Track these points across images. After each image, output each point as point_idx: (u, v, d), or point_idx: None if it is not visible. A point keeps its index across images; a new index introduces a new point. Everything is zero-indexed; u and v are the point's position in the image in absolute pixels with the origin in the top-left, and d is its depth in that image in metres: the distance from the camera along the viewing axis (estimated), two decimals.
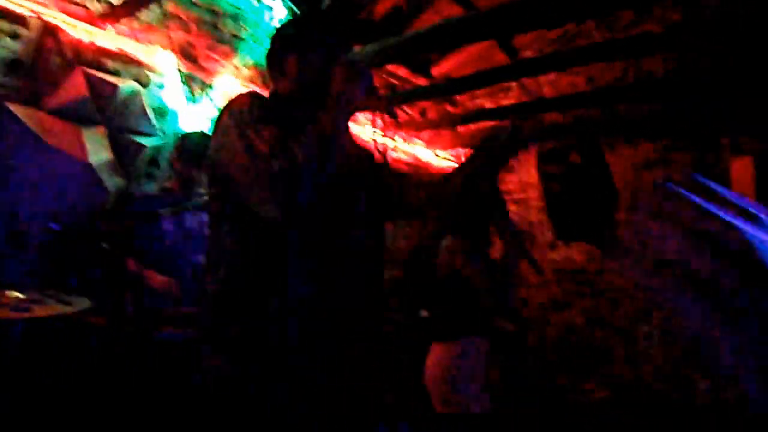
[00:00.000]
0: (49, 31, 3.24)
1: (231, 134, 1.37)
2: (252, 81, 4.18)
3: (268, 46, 1.62)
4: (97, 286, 2.51)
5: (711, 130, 4.36)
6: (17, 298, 1.95)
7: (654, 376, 4.54)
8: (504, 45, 5.38)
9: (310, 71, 1.54)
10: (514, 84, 5.63)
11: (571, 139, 4.74)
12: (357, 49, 3.58)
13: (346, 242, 1.60)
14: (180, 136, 3.13)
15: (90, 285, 2.51)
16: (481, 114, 5.49)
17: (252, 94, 1.50)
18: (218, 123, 1.46)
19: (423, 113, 5.83)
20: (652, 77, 4.66)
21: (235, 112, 1.41)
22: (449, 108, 5.98)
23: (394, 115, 1.77)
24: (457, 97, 6.02)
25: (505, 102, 5.64)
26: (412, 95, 4.91)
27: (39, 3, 3.18)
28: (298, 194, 1.32)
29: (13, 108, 2.95)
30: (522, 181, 5.52)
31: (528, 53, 5.42)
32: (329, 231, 1.55)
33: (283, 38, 1.60)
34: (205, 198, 2.90)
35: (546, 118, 5.20)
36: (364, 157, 1.73)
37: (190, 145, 2.88)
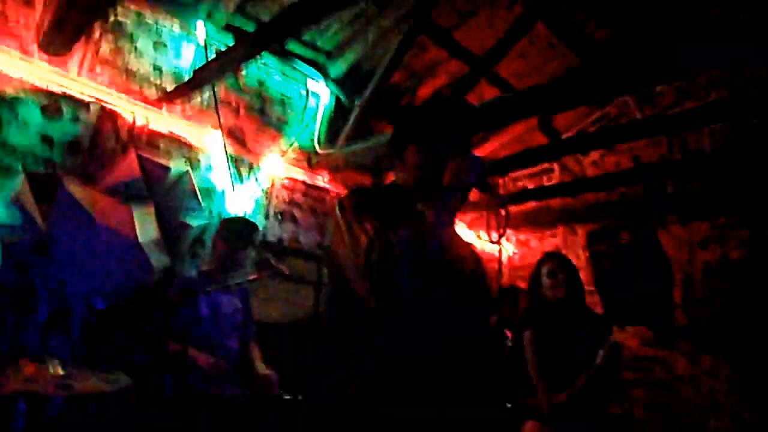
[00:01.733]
0: (107, 115, 3.38)
1: (339, 226, 1.44)
2: (297, 163, 4.25)
3: (392, 134, 1.65)
4: (139, 366, 2.43)
5: (765, 205, 4.19)
6: (60, 374, 1.88)
7: None
8: (544, 127, 5.40)
9: (430, 160, 1.51)
10: (556, 166, 5.60)
11: (620, 219, 4.62)
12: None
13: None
14: (224, 219, 3.14)
15: (133, 364, 2.43)
16: (524, 194, 5.45)
17: (360, 189, 1.58)
18: (333, 216, 1.52)
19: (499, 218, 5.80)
20: (699, 153, 4.57)
21: (344, 205, 1.48)
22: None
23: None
24: (500, 180, 6.00)
25: (547, 184, 5.59)
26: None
27: (98, 89, 3.35)
28: (394, 282, 1.33)
29: (69, 185, 3.02)
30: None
31: (569, 135, 5.42)
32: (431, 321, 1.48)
33: (403, 127, 1.62)
34: (240, 282, 2.87)
35: (592, 198, 5.11)
36: (470, 256, 1.65)
37: (233, 228, 2.89)
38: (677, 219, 4.67)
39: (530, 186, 5.72)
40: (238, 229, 2.86)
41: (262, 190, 3.98)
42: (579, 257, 5.24)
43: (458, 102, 1.74)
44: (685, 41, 2.82)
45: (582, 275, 5.15)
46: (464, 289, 1.54)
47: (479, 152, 5.61)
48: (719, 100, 4.47)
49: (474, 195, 1.61)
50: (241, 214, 3.61)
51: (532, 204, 5.50)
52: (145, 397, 2.19)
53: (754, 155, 4.09)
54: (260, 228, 3.09)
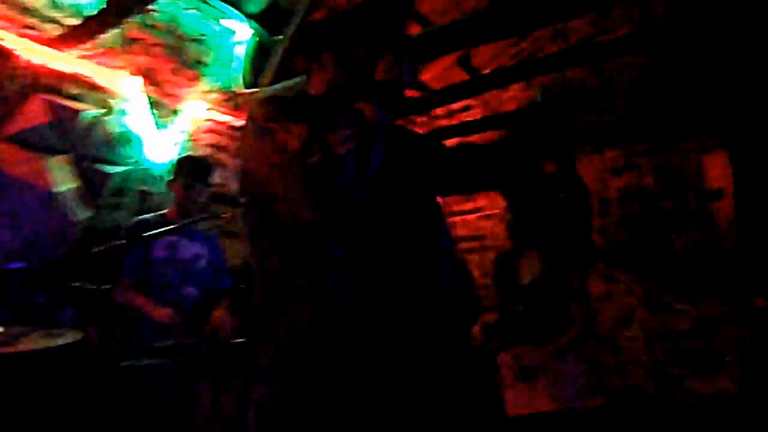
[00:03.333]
0: (3, 54, 3.02)
1: (253, 138, 1.27)
2: (220, 105, 4.03)
3: (291, 45, 1.52)
4: (87, 320, 2.28)
5: (672, 132, 4.50)
6: (1, 332, 1.72)
7: (645, 380, 4.53)
8: (463, 63, 5.45)
9: (351, 66, 1.41)
10: (475, 102, 5.69)
11: (541, 148, 4.79)
12: None
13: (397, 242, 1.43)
14: (180, 158, 2.93)
15: (82, 318, 2.27)
16: (445, 131, 5.53)
17: (271, 98, 1.41)
18: (241, 133, 1.33)
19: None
20: (612, 83, 4.80)
21: (255, 116, 1.31)
22: (410, 128, 5.97)
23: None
24: (418, 119, 6.03)
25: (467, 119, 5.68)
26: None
27: None
28: (338, 192, 1.20)
29: None
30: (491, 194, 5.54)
31: (487, 70, 5.50)
32: (375, 233, 1.38)
33: (315, 36, 1.49)
34: (202, 225, 2.73)
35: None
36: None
37: (190, 169, 2.70)
38: (593, 149, 4.92)
39: (452, 123, 5.80)
40: (191, 168, 2.69)
41: (186, 134, 3.76)
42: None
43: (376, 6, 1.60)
44: None
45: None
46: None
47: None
48: (630, 34, 4.68)
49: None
50: (182, 156, 3.38)
51: (454, 141, 5.59)
52: (92, 352, 2.06)
53: (663, 83, 4.34)
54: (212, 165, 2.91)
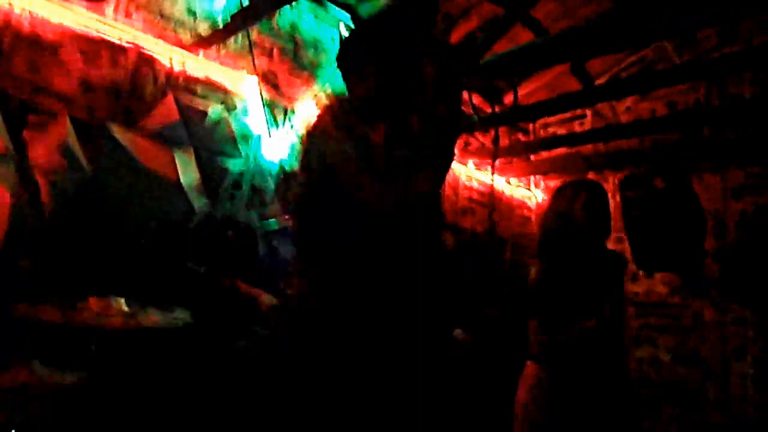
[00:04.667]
0: (145, 59, 3.40)
1: (332, 132, 1.37)
2: (332, 107, 4.25)
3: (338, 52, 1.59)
4: (192, 301, 2.53)
5: None
6: (123, 308, 1.98)
7: (751, 421, 4.20)
8: (577, 71, 5.29)
9: (393, 72, 1.48)
10: (588, 111, 5.52)
11: (653, 165, 4.58)
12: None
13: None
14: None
15: (185, 298, 2.53)
16: (554, 141, 5.41)
17: (347, 99, 1.49)
18: (306, 133, 1.43)
19: (495, 141, 5.78)
20: (739, 100, 4.47)
21: (324, 114, 1.41)
22: (521, 136, 5.91)
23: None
24: (529, 126, 5.94)
25: (579, 130, 5.52)
26: (487, 122, 4.87)
27: (135, 34, 3.36)
28: (422, 183, 1.28)
29: (113, 129, 3.08)
30: None
31: (602, 80, 5.31)
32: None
33: (356, 45, 1.57)
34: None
35: (625, 145, 5.05)
36: None
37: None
38: (711, 167, 4.62)
39: (561, 131, 5.67)
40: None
41: (297, 135, 4.01)
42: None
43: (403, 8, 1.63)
44: None
45: (612, 222, 5.21)
46: None
47: (509, 98, 5.54)
48: (762, 45, 4.33)
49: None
50: (277, 160, 3.64)
51: (562, 150, 5.46)
52: (200, 331, 2.29)
53: None
54: None
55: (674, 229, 4.40)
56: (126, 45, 3.32)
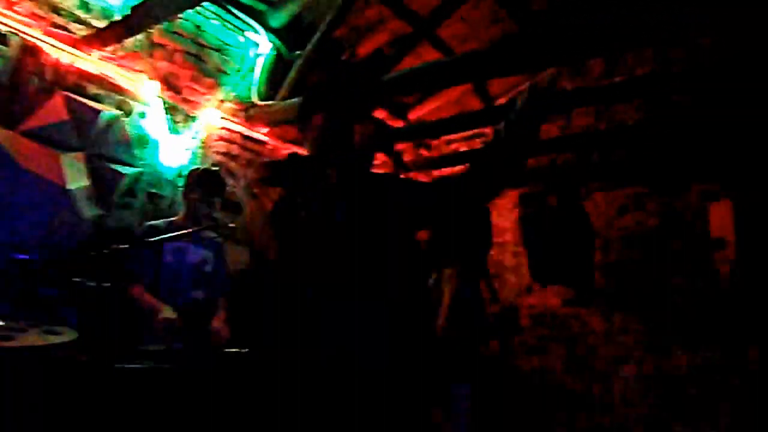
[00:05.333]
0: (29, 50, 3.10)
1: (248, 203, 1.64)
2: (234, 115, 4.10)
3: (301, 103, 1.73)
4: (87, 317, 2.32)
5: (681, 177, 4.52)
6: (2, 326, 1.76)
7: (634, 422, 4.51)
8: (479, 91, 5.51)
9: (336, 126, 1.63)
10: (488, 130, 5.73)
11: (547, 183, 4.82)
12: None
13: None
14: (193, 169, 3.01)
15: (82, 315, 2.31)
16: (455, 157, 5.58)
17: (269, 163, 1.73)
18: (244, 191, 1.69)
19: (398, 157, 5.86)
20: (623, 125, 4.83)
21: (249, 181, 1.70)
22: (424, 152, 6.03)
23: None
24: (433, 142, 6.08)
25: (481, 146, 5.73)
26: (392, 136, 4.93)
27: (21, 21, 3.06)
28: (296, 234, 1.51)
29: None
30: (497, 225, 5.56)
31: (502, 100, 5.55)
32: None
33: (312, 98, 1.70)
34: (210, 234, 2.80)
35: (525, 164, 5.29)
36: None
37: (205, 182, 2.78)
38: (600, 186, 4.95)
39: (463, 148, 5.85)
40: (210, 181, 2.77)
41: (199, 140, 3.83)
42: (508, 219, 5.46)
43: (365, 74, 1.95)
44: (617, 15, 2.91)
45: (510, 236, 5.45)
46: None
47: (414, 114, 5.65)
48: (645, 75, 4.73)
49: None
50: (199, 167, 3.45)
51: (464, 167, 5.63)
52: (88, 352, 2.09)
53: (673, 129, 4.38)
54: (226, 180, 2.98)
55: (566, 244, 4.66)
56: (6, 32, 3.01)
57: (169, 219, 2.81)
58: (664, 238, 4.54)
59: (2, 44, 2.99)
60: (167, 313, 2.39)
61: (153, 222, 2.79)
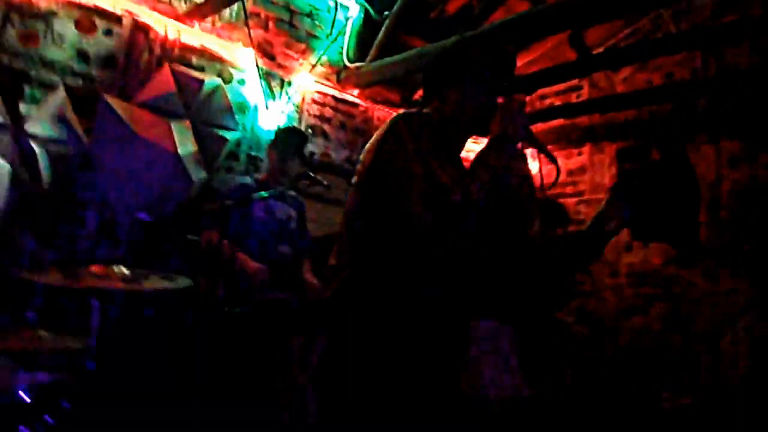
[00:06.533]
0: (140, 28, 3.37)
1: (410, 156, 1.46)
2: (327, 78, 4.23)
3: (428, 72, 1.70)
4: (193, 269, 2.56)
5: None
6: (124, 273, 2.01)
7: (740, 382, 4.29)
8: (574, 42, 5.26)
9: (471, 104, 1.61)
10: (585, 83, 5.50)
11: (649, 137, 4.58)
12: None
13: None
14: (278, 130, 3.19)
15: (180, 270, 2.56)
16: (551, 112, 5.41)
17: (424, 118, 1.60)
18: (391, 134, 1.50)
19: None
20: (736, 70, 4.46)
21: (415, 133, 1.50)
22: None
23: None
24: (526, 98, 5.91)
25: (576, 101, 5.51)
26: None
27: (129, 3, 3.32)
28: (464, 224, 1.45)
29: (109, 99, 3.07)
30: (594, 181, 5.37)
31: (600, 50, 5.28)
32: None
33: (443, 68, 1.66)
34: (291, 192, 2.97)
35: (621, 117, 5.05)
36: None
37: (286, 140, 2.94)
38: (707, 138, 4.62)
39: (558, 103, 5.66)
40: (287, 139, 2.93)
41: (294, 105, 4.00)
42: (605, 175, 5.26)
43: (500, 50, 1.81)
44: None
45: (602, 191, 5.24)
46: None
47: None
48: (760, 15, 4.31)
49: None
50: (282, 126, 3.64)
51: (559, 121, 5.46)
52: (199, 299, 2.33)
53: None
54: (308, 138, 3.14)
55: (669, 200, 4.42)
56: (120, 13, 3.29)
57: (256, 176, 3.01)
58: None
59: (116, 24, 3.28)
60: (255, 266, 2.56)
61: (241, 179, 3.00)
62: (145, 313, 2.18)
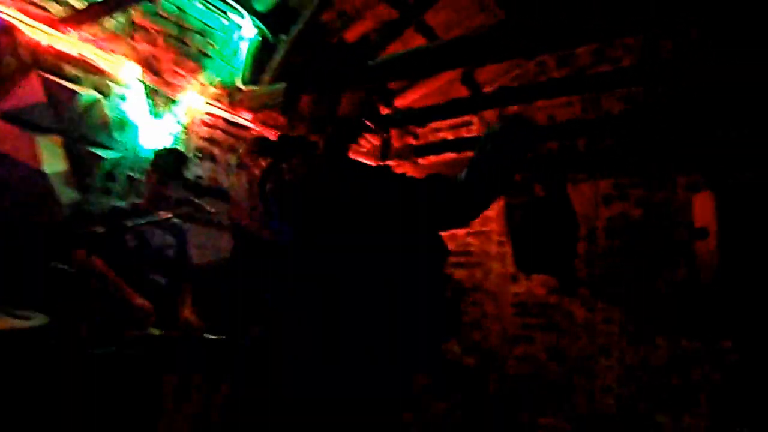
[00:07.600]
0: (4, 29, 3.02)
1: (237, 171, 1.52)
2: (218, 99, 4.04)
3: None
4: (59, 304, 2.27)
5: (663, 167, 4.54)
6: None
7: (617, 411, 4.54)
8: (466, 80, 5.47)
9: (325, 108, 1.58)
10: (475, 119, 5.72)
11: (534, 172, 4.82)
12: None
13: None
14: (157, 151, 2.97)
15: (44, 304, 2.26)
16: (442, 145, 5.55)
17: (259, 138, 1.60)
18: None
19: (386, 144, 5.81)
20: (609, 115, 4.84)
21: (240, 153, 1.57)
22: (411, 140, 6.00)
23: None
24: (419, 130, 6.06)
25: (467, 135, 5.71)
26: (378, 124, 4.88)
27: None
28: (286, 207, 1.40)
29: None
30: (483, 214, 5.55)
31: (489, 89, 5.53)
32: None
33: (296, 80, 1.66)
34: (172, 218, 2.76)
35: None
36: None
37: (164, 162, 2.74)
38: (586, 176, 4.95)
39: (450, 137, 5.83)
40: (166, 161, 2.73)
41: (181, 125, 3.77)
42: (492, 208, 5.45)
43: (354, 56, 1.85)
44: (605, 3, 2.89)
45: (495, 225, 5.44)
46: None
47: (400, 101, 5.61)
48: (632, 66, 4.73)
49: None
50: (161, 148, 3.40)
51: (450, 155, 5.61)
52: (63, 338, 2.06)
53: (658, 119, 4.38)
54: (188, 159, 2.94)
55: (551, 233, 4.66)
56: None
57: (131, 202, 2.79)
58: (647, 227, 4.56)
59: None
60: (140, 299, 2.35)
61: (116, 204, 2.77)
62: None
